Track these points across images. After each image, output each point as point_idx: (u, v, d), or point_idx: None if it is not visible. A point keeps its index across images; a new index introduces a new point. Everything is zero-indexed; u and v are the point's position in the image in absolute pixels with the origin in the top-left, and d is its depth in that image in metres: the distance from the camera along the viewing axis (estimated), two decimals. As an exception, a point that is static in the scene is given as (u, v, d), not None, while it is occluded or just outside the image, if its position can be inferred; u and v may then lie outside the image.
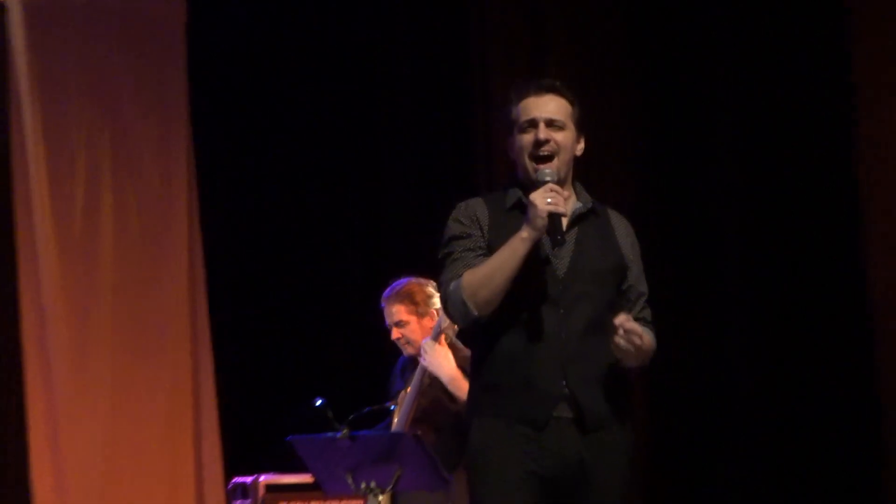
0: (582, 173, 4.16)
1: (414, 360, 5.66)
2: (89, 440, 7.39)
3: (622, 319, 3.87)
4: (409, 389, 5.59)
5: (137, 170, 7.69)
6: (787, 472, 7.17)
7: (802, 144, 7.26)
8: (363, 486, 4.93)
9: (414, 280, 5.68)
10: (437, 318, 5.53)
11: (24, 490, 7.21)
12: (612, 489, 3.98)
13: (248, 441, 7.48)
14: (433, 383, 5.49)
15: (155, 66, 7.73)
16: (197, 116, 7.82)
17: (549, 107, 4.02)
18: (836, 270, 7.15)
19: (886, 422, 6.90)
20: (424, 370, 5.49)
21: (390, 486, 4.93)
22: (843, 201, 7.11)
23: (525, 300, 3.94)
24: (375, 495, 4.94)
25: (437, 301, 5.52)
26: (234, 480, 6.84)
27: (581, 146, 4.09)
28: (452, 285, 3.95)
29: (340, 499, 6.45)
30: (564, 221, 3.97)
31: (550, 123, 4.01)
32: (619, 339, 3.86)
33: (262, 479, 6.61)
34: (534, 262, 3.93)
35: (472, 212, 4.07)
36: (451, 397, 5.41)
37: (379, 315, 5.73)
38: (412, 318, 5.63)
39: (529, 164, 4.01)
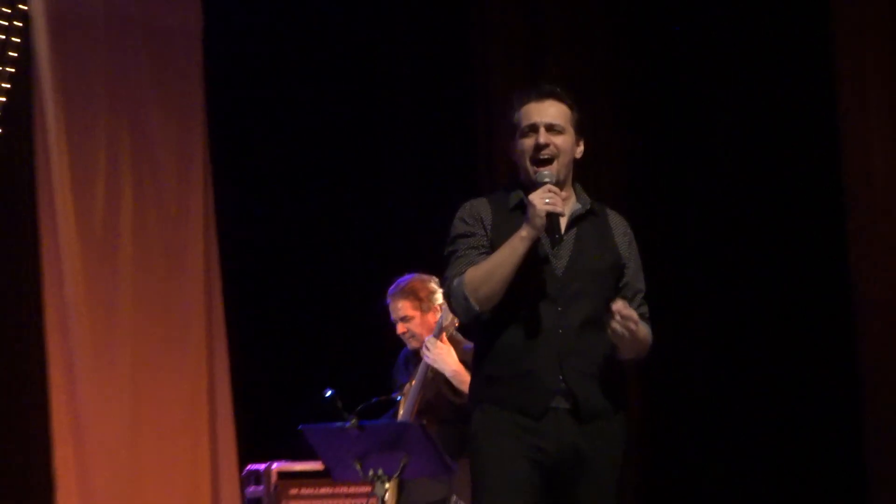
0: (580, 171, 4.17)
1: (417, 353, 5.69)
2: (111, 429, 7.41)
3: (619, 306, 3.90)
4: (413, 382, 5.60)
5: (156, 170, 7.71)
6: (776, 459, 7.17)
7: (791, 147, 7.24)
8: (371, 473, 4.94)
9: (417, 276, 5.70)
10: (440, 313, 5.54)
11: (48, 471, 7.21)
12: (606, 475, 4.02)
13: (262, 430, 7.49)
14: (436, 377, 5.51)
15: (172, 72, 7.75)
16: (212, 119, 7.83)
17: (549, 112, 4.05)
18: (823, 269, 7.14)
19: (869, 407, 6.88)
20: (428, 365, 5.50)
21: (397, 474, 4.94)
22: (829, 202, 7.09)
23: (525, 297, 3.97)
24: (382, 482, 4.95)
25: (439, 297, 5.55)
26: (248, 468, 6.86)
27: (580, 149, 4.12)
28: (456, 281, 3.99)
29: (349, 485, 6.48)
30: (563, 221, 4.01)
31: (550, 128, 4.04)
32: (616, 324, 3.89)
33: (275, 466, 6.63)
34: (534, 260, 3.97)
35: (476, 211, 4.10)
36: (454, 391, 5.43)
37: (385, 310, 5.74)
38: (417, 314, 5.64)
39: (530, 167, 4.05)
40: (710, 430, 7.36)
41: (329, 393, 5.09)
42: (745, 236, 7.35)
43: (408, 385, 5.65)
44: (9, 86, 7.10)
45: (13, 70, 7.15)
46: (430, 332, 5.57)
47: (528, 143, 4.04)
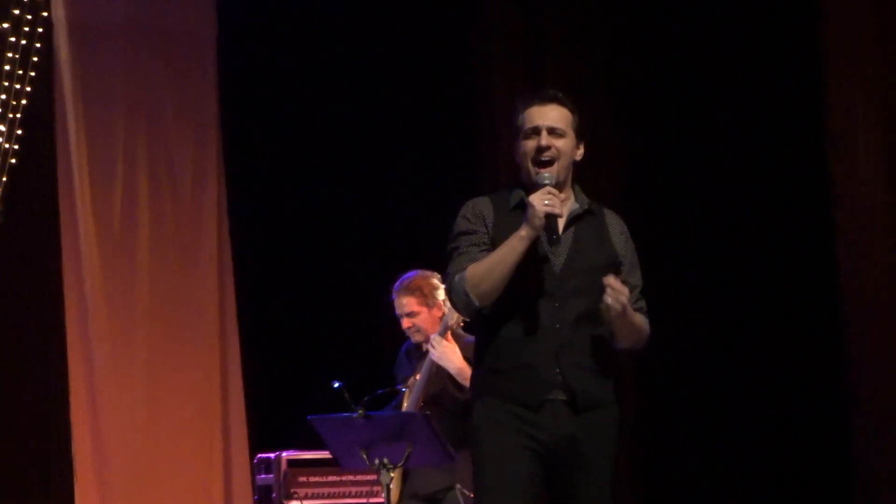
0: (580, 171, 4.20)
1: (419, 347, 5.71)
2: (128, 418, 7.43)
3: (610, 279, 3.94)
4: (417, 376, 5.60)
5: (171, 169, 7.73)
6: (770, 456, 7.13)
7: (791, 147, 7.19)
8: (377, 461, 4.96)
9: (420, 273, 5.70)
10: (443, 308, 5.56)
11: (68, 459, 7.22)
12: (601, 463, 4.05)
13: (272, 420, 7.50)
14: (440, 372, 5.51)
15: (188, 76, 7.77)
16: (225, 121, 7.84)
17: (551, 115, 4.08)
18: (811, 269, 7.11)
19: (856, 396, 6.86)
20: (433, 361, 5.50)
21: (401, 462, 4.95)
22: (816, 204, 7.06)
23: (524, 293, 4.00)
24: (388, 470, 4.95)
25: (441, 292, 5.57)
26: (258, 456, 6.87)
27: (580, 152, 4.15)
28: (457, 277, 4.03)
29: (356, 473, 6.48)
30: (561, 222, 4.04)
31: (552, 131, 4.07)
32: (608, 298, 3.91)
33: (285, 454, 6.63)
34: (533, 258, 4.00)
35: (478, 209, 4.13)
36: (458, 387, 5.43)
37: (389, 305, 5.75)
38: (422, 309, 5.65)
39: (532, 168, 4.08)
40: (706, 427, 7.32)
41: (337, 385, 5.09)
42: (744, 236, 7.30)
43: (412, 378, 5.65)
44: (31, 89, 7.11)
45: (35, 74, 7.17)
46: (435, 327, 5.59)
47: (531, 144, 4.06)
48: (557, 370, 3.97)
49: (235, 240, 7.86)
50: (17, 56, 7.07)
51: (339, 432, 5.02)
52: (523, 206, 4.01)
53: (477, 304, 3.98)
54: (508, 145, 4.21)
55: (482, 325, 4.10)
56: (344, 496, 6.58)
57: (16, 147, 7.05)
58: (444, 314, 5.55)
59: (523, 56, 7.65)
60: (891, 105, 6.74)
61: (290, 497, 6.55)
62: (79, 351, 7.35)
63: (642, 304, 4.15)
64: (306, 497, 6.56)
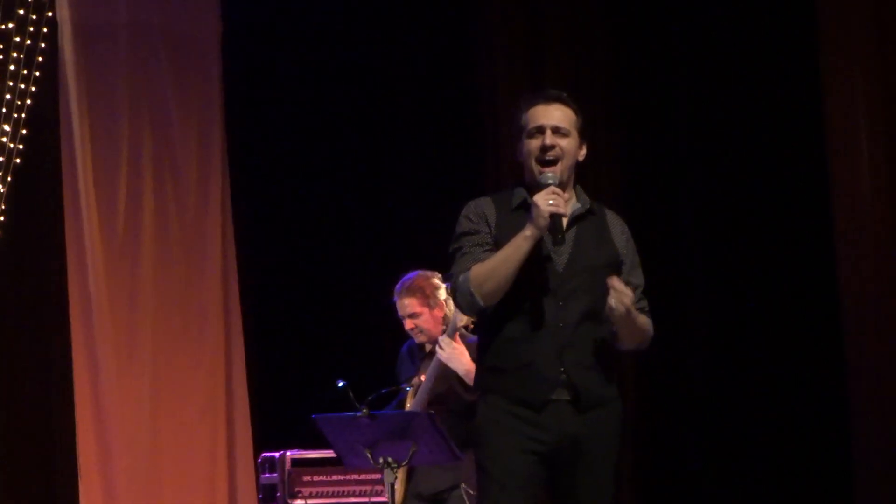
0: (580, 171, 4.18)
1: (422, 347, 5.68)
2: (132, 418, 7.40)
3: (614, 280, 3.92)
4: (423, 376, 5.56)
5: (176, 170, 7.71)
6: (770, 454, 7.12)
7: (791, 147, 7.17)
8: (381, 460, 4.92)
9: (421, 274, 5.67)
10: (445, 308, 5.54)
11: (72, 458, 7.20)
12: (603, 463, 4.03)
13: (276, 419, 7.47)
14: (447, 373, 5.46)
15: (192, 76, 7.75)
16: (230, 121, 7.82)
17: (555, 115, 4.05)
18: (811, 269, 7.08)
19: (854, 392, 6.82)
20: (440, 361, 5.45)
21: (406, 461, 4.91)
22: (816, 204, 7.02)
23: (527, 292, 3.98)
24: (392, 469, 4.92)
25: (442, 292, 5.55)
26: (262, 455, 6.85)
27: (583, 152, 4.13)
28: (461, 277, 4.00)
29: (360, 472, 6.45)
30: (564, 222, 4.01)
31: (556, 130, 4.05)
32: (611, 299, 3.89)
33: (289, 453, 6.61)
34: (536, 258, 3.97)
35: (481, 210, 4.10)
36: (465, 388, 5.38)
37: (392, 306, 5.71)
38: (425, 310, 5.61)
39: (535, 167, 4.05)
40: (706, 427, 7.32)
41: (341, 384, 5.07)
42: (744, 236, 7.29)
43: (416, 377, 5.61)
44: (35, 89, 7.10)
45: (39, 74, 7.15)
46: (437, 327, 5.56)
47: (535, 144, 4.04)
48: (561, 369, 3.95)
49: (239, 239, 7.84)
50: (21, 56, 7.10)
51: (344, 431, 4.99)
52: (526, 206, 3.99)
53: (482, 303, 3.95)
54: (510, 145, 4.17)
55: (485, 325, 4.08)
56: (348, 495, 6.56)
57: (20, 147, 7.07)
58: (445, 314, 5.53)
59: (523, 56, 7.65)
60: (891, 105, 6.72)
61: (295, 496, 6.53)
62: (83, 351, 7.33)
63: (644, 303, 4.13)
64: (310, 496, 6.54)
